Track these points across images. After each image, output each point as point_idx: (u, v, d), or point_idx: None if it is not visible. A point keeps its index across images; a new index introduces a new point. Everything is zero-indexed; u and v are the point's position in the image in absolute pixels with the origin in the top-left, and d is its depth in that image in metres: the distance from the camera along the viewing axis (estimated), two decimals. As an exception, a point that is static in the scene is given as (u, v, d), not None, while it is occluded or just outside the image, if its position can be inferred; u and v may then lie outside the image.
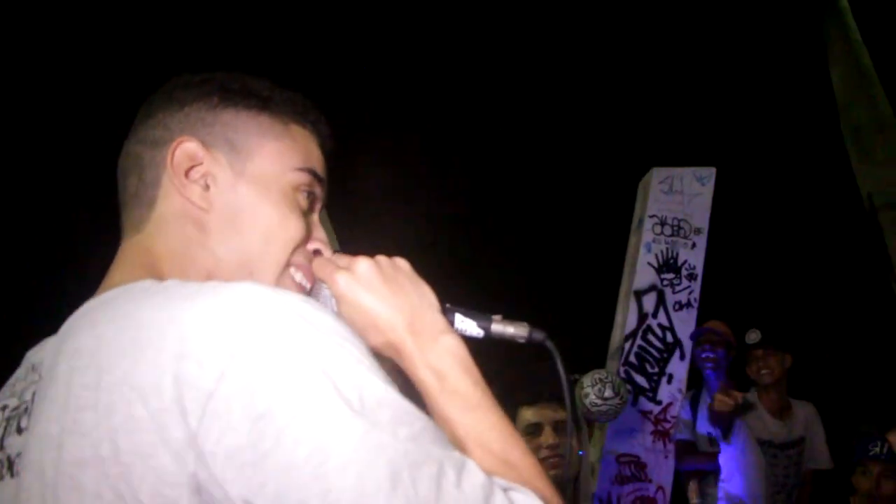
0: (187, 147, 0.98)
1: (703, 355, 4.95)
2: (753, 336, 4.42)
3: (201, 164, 0.98)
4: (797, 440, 4.44)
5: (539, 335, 1.09)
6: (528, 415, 2.55)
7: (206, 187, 0.98)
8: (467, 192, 8.09)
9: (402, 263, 1.01)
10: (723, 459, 4.55)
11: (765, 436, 4.41)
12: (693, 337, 5.02)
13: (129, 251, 1.00)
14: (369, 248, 1.03)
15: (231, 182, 0.98)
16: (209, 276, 0.96)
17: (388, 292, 0.96)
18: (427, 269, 1.05)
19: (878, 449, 3.72)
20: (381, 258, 1.00)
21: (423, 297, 0.99)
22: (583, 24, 7.81)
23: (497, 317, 1.08)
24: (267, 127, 1.02)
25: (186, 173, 0.98)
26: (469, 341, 1.01)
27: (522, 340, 1.09)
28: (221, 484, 0.71)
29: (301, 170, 1.02)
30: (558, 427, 2.51)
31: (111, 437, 0.74)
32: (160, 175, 0.99)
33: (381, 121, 7.51)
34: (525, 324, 1.09)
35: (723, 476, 4.59)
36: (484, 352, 1.09)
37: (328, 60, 7.04)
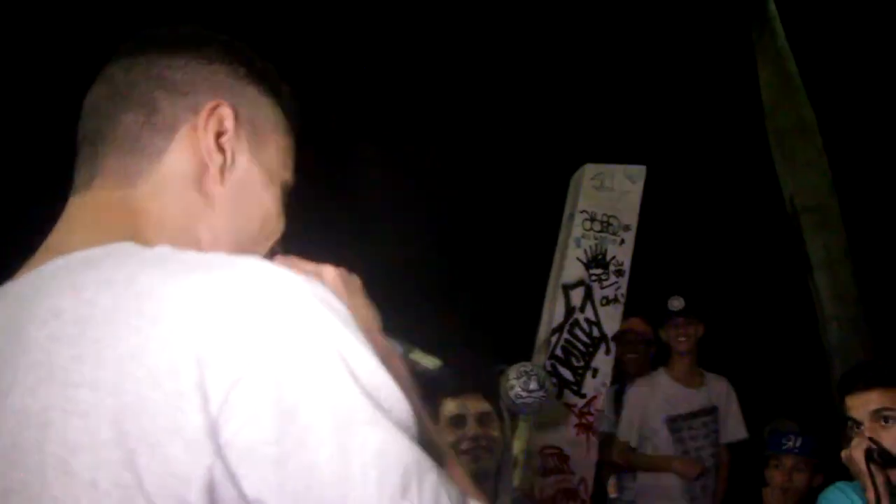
0: (224, 112, 0.90)
1: (627, 356, 5.05)
2: (677, 303, 4.52)
3: (227, 133, 0.90)
4: (710, 408, 4.55)
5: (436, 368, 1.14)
6: (452, 406, 2.54)
7: (230, 161, 0.91)
8: (398, 180, 8.07)
9: (356, 279, 0.97)
10: None
11: (677, 410, 4.50)
12: (615, 338, 5.11)
13: (104, 206, 0.88)
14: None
15: (247, 162, 0.92)
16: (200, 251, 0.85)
17: (350, 305, 0.94)
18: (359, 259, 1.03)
19: (791, 443, 3.82)
20: (343, 270, 0.95)
21: (375, 318, 0.96)
22: (523, 20, 7.85)
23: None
24: (280, 119, 0.97)
25: (216, 139, 0.90)
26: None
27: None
28: (236, 479, 0.66)
29: (294, 173, 0.99)
30: (482, 419, 2.51)
31: (114, 420, 0.66)
32: (177, 125, 0.89)
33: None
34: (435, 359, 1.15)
35: None
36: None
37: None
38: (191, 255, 0.77)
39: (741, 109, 7.49)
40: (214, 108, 0.90)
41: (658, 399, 4.53)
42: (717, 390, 4.60)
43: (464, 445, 2.47)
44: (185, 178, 0.89)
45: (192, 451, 0.65)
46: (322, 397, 0.68)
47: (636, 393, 4.66)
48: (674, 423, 4.52)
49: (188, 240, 0.88)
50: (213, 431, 0.65)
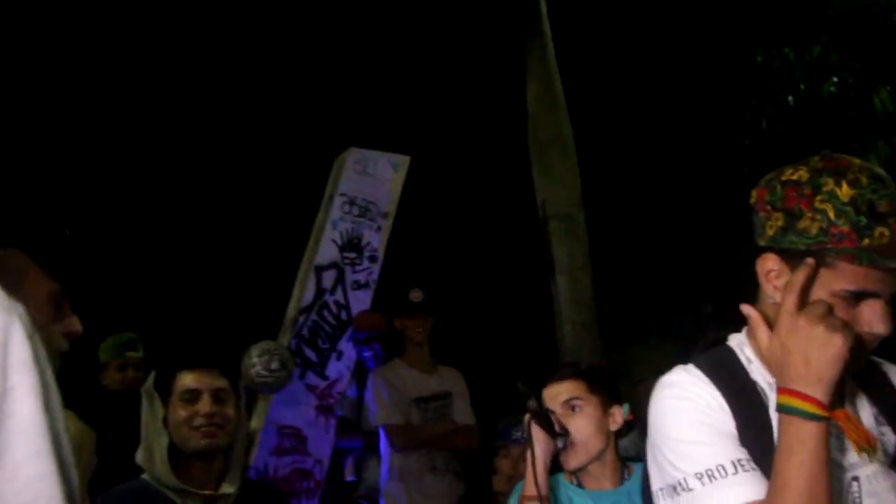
0: None
1: (365, 354, 5.11)
2: (417, 295, 4.65)
3: None
4: (445, 394, 4.69)
5: None
6: (188, 380, 2.45)
7: None
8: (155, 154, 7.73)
9: None
10: None
11: (415, 393, 4.61)
12: (351, 338, 5.15)
13: None
14: None
15: None
16: None
17: None
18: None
19: (520, 434, 4.03)
20: None
21: None
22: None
23: None
24: None
25: None
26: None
27: None
28: None
29: None
30: (217, 395, 2.44)
31: None
32: None
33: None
34: None
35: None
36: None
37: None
38: None
39: (507, 117, 7.83)
40: None
41: (399, 383, 4.61)
42: (450, 378, 4.77)
43: (196, 422, 2.39)
44: None
45: None
46: None
47: (381, 379, 4.69)
48: (417, 405, 4.63)
49: None
50: None
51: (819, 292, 1.43)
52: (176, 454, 2.39)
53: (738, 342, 1.62)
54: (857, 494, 1.50)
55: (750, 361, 1.57)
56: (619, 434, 2.54)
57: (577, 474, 2.47)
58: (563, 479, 2.49)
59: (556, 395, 2.46)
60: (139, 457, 2.43)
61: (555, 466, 2.49)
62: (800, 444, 1.35)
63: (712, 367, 1.56)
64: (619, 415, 2.48)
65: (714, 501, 1.41)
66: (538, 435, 2.30)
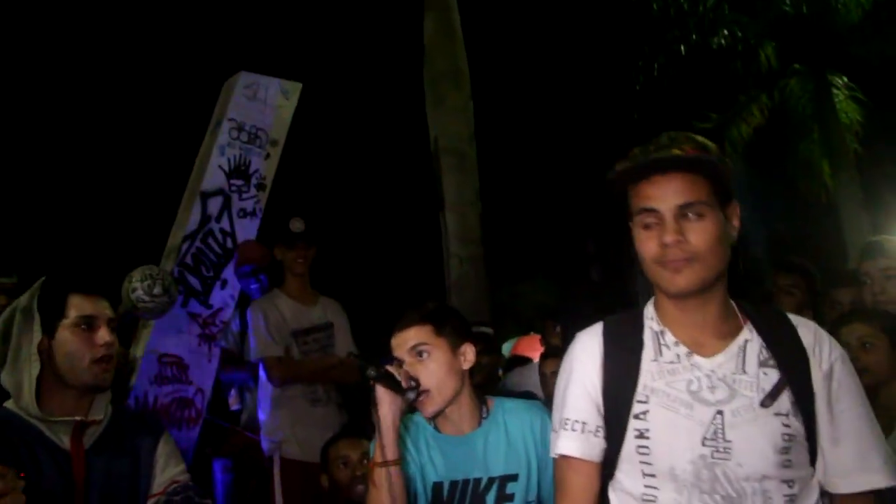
0: None
1: (252, 287, 5.02)
2: (299, 224, 4.60)
3: None
4: (325, 325, 4.69)
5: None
6: (84, 306, 2.31)
7: None
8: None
9: None
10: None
11: (294, 324, 4.59)
12: (236, 271, 5.05)
13: None
14: None
15: None
16: None
17: None
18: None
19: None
20: None
21: None
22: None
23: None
24: None
25: None
26: None
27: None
28: None
29: None
30: (110, 324, 2.34)
31: None
32: None
33: None
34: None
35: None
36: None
37: None
38: None
39: (403, 48, 7.73)
40: None
41: (278, 315, 4.57)
42: (331, 309, 4.76)
43: (97, 353, 2.28)
44: None
45: None
46: None
47: (260, 311, 4.62)
48: (296, 337, 4.60)
49: None
50: None
51: (634, 226, 1.81)
52: (48, 383, 2.28)
53: (649, 301, 1.94)
54: (719, 425, 1.74)
55: (648, 317, 1.91)
56: (495, 367, 2.56)
57: (434, 418, 2.45)
58: (422, 419, 2.47)
59: (403, 342, 2.40)
60: (5, 381, 2.31)
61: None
62: None
63: (615, 322, 1.95)
64: (470, 352, 2.46)
65: (555, 443, 1.91)
66: (383, 397, 2.25)
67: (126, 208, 7.58)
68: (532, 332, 6.21)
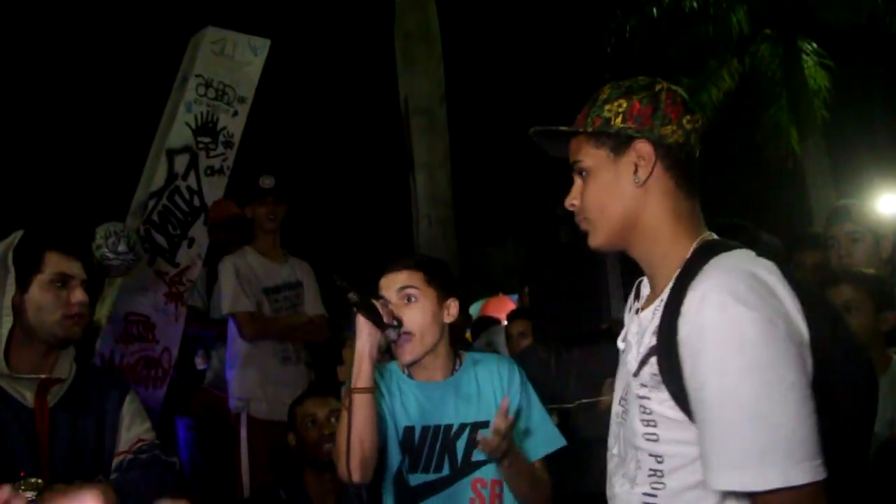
0: None
1: (220, 248, 4.98)
2: (269, 181, 4.60)
3: None
4: (295, 283, 4.70)
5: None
6: (62, 264, 2.30)
7: None
8: None
9: None
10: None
11: (266, 281, 4.59)
12: (207, 228, 5.00)
13: None
14: None
15: None
16: None
17: None
18: None
19: None
20: None
21: None
22: None
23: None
24: None
25: None
26: None
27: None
28: None
29: None
30: (83, 284, 2.33)
31: None
32: None
33: None
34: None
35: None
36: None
37: None
38: None
39: (373, 6, 7.63)
40: None
41: (248, 272, 4.56)
42: (300, 268, 4.76)
43: (71, 310, 2.27)
44: None
45: None
46: None
47: (231, 266, 4.62)
48: (267, 294, 4.60)
49: None
50: None
51: None
52: (15, 339, 2.27)
53: None
54: (627, 386, 1.66)
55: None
56: (465, 328, 2.60)
57: (409, 366, 2.49)
58: (395, 367, 2.52)
59: (393, 283, 2.44)
60: None
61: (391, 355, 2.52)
62: None
63: None
64: (454, 308, 2.50)
65: None
66: (362, 326, 2.27)
67: (91, 165, 7.47)
68: (500, 294, 6.25)
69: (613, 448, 1.71)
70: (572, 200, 1.68)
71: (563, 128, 1.69)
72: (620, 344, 1.74)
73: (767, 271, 1.49)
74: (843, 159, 11.95)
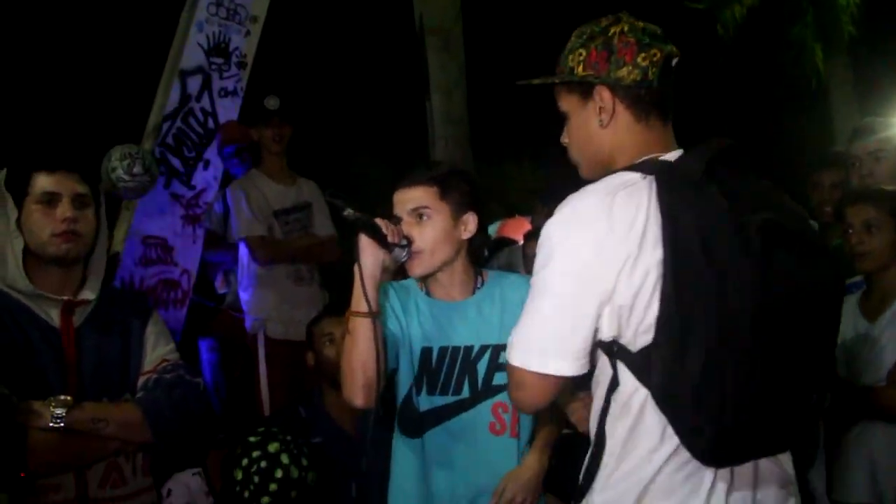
0: None
1: (235, 170, 4.95)
2: (273, 102, 4.55)
3: None
4: (304, 204, 4.69)
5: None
6: (46, 182, 2.30)
7: None
8: None
9: None
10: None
11: (276, 204, 4.59)
12: (220, 153, 4.97)
13: None
14: None
15: None
16: None
17: None
18: None
19: None
20: None
21: None
22: None
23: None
24: None
25: None
26: None
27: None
28: None
29: None
30: (78, 200, 2.32)
31: None
32: None
33: None
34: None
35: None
36: None
37: None
38: None
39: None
40: None
41: (258, 195, 4.56)
42: (309, 189, 4.74)
43: (57, 228, 2.27)
44: None
45: None
46: None
47: (241, 191, 4.59)
48: (277, 217, 4.60)
49: None
50: None
51: None
52: (31, 260, 2.29)
53: None
54: None
55: None
56: (482, 247, 2.50)
57: (426, 282, 2.40)
58: (413, 284, 2.43)
59: (405, 201, 2.32)
60: None
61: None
62: None
63: None
64: (472, 223, 2.38)
65: None
66: (365, 246, 2.16)
67: (104, 87, 7.41)
68: (517, 215, 6.22)
69: None
70: (563, 139, 1.87)
71: (535, 80, 1.85)
72: None
73: (627, 193, 1.61)
74: (869, 77, 11.66)
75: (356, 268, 2.16)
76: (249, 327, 4.57)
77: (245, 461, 3.03)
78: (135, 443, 2.30)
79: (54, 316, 2.29)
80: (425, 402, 2.35)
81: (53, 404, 2.14)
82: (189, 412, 2.35)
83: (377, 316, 2.17)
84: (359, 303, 2.17)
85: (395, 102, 7.94)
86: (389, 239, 2.17)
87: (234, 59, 5.06)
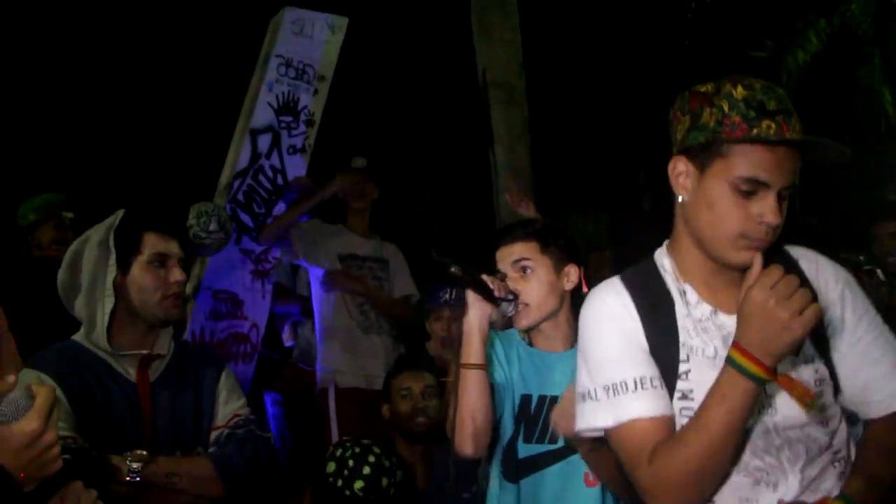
0: None
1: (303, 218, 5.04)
2: (360, 162, 4.65)
3: None
4: (382, 259, 4.74)
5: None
6: (158, 244, 2.37)
7: None
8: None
9: None
10: None
11: (349, 250, 4.64)
12: (287, 200, 5.07)
13: None
14: None
15: None
16: None
17: None
18: None
19: (447, 295, 4.10)
20: None
21: None
22: None
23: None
24: None
25: None
26: None
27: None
28: None
29: None
30: (181, 264, 2.41)
31: None
32: None
33: None
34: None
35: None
36: None
37: None
38: None
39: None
40: None
41: (332, 239, 4.63)
42: (388, 249, 4.81)
43: (171, 290, 2.35)
44: None
45: None
46: None
47: (308, 233, 4.68)
48: (344, 260, 4.65)
49: None
50: None
51: (718, 184, 1.62)
52: (120, 316, 2.34)
53: (659, 253, 1.82)
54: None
55: (665, 271, 1.78)
56: (577, 294, 2.51)
57: (529, 333, 2.44)
58: (516, 334, 2.47)
59: (507, 256, 2.40)
60: (79, 311, 2.35)
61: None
62: (734, 396, 1.51)
63: (633, 279, 1.79)
64: (574, 274, 2.43)
65: (612, 412, 1.67)
66: (472, 300, 2.23)
67: (176, 147, 7.65)
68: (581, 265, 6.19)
69: (760, 448, 1.67)
70: (780, 220, 1.62)
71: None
72: (722, 352, 1.64)
73: None
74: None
75: (465, 322, 2.24)
76: (319, 378, 4.60)
77: (339, 452, 3.11)
78: (207, 497, 2.32)
79: (131, 370, 2.35)
80: (523, 450, 2.37)
81: (130, 458, 2.18)
82: (261, 467, 2.37)
83: (484, 367, 2.24)
84: (469, 355, 2.23)
85: (459, 154, 8.01)
86: (496, 294, 2.24)
87: (302, 117, 5.19)
